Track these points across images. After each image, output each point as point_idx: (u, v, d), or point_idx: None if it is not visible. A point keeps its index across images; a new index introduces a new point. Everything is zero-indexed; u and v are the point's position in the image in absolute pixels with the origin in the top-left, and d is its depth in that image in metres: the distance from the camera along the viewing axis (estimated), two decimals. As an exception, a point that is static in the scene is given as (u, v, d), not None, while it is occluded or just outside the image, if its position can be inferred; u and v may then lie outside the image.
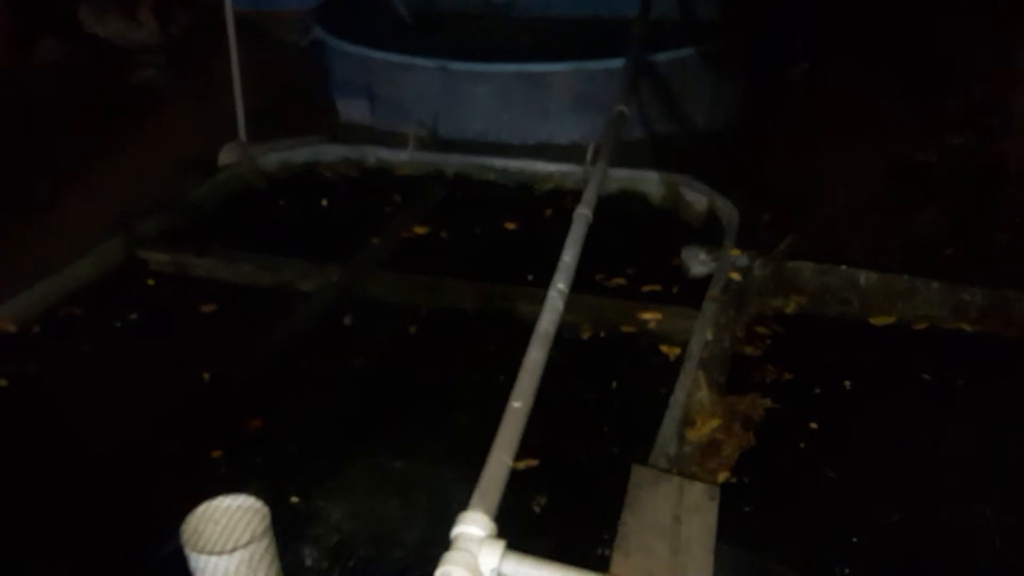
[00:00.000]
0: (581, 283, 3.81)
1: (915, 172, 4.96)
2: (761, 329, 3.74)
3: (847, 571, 2.42)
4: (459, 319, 3.87)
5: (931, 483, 2.79)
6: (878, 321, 3.74)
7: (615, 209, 4.74)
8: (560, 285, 2.82)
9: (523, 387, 2.42)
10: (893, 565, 2.49)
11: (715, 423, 3.13)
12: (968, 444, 2.94)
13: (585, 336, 3.70)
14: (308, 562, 2.43)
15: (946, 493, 2.74)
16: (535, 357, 2.52)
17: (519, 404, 2.38)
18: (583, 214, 3.15)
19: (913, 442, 3.00)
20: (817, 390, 3.30)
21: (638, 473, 2.57)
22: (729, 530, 2.47)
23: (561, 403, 3.26)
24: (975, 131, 5.22)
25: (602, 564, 2.39)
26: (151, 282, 4.22)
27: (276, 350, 3.61)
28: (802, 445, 3.02)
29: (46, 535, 2.73)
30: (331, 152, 5.50)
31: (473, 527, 1.95)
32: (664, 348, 3.61)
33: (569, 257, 2.94)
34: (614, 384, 3.42)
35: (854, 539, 2.56)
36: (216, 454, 2.97)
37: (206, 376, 3.43)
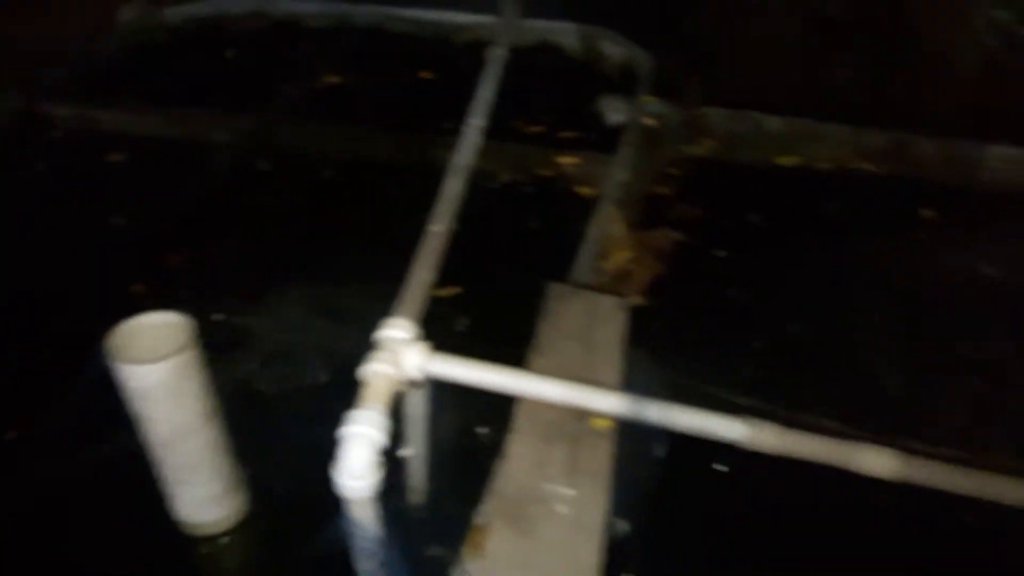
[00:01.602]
0: (500, 131, 3.85)
1: (827, 23, 5.06)
2: (674, 171, 3.86)
3: (747, 371, 2.63)
4: (376, 167, 3.85)
5: (829, 299, 3.01)
6: (784, 161, 3.89)
7: (533, 60, 4.75)
8: (476, 120, 2.85)
9: (442, 212, 2.50)
10: (793, 364, 2.71)
11: (627, 254, 3.27)
12: (863, 266, 3.15)
13: (504, 180, 3.75)
14: (237, 372, 2.50)
15: (842, 305, 2.97)
16: (453, 186, 2.59)
17: (438, 228, 2.46)
18: (498, 53, 3.15)
19: (813, 266, 3.20)
20: (724, 223, 3.46)
21: (553, 289, 2.69)
22: (639, 341, 2.63)
23: (483, 241, 3.33)
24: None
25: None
26: (56, 135, 4.05)
27: (191, 194, 3.56)
28: (709, 271, 3.19)
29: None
30: (237, 5, 5.26)
31: (397, 331, 2.05)
32: (580, 189, 3.70)
33: (485, 93, 2.97)
34: (533, 223, 3.50)
35: (756, 344, 2.76)
36: (137, 288, 2.96)
37: (121, 220, 3.37)
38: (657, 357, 2.58)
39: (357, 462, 1.79)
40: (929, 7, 5.14)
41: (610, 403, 2.06)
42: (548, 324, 2.51)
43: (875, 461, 2.14)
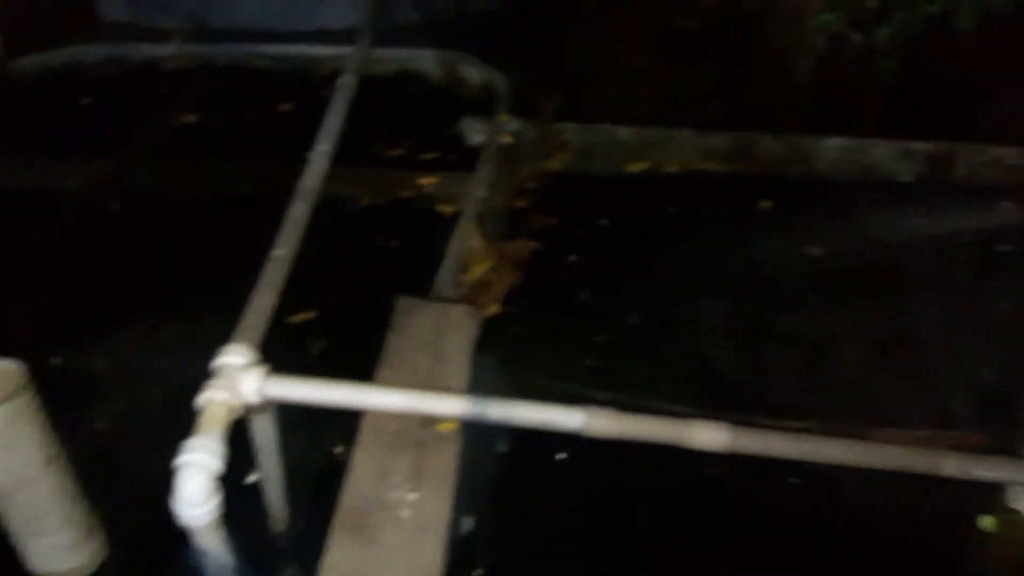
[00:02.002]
0: (361, 156, 3.92)
1: (676, 37, 5.32)
2: (531, 185, 3.99)
3: (589, 362, 2.75)
4: (233, 201, 3.84)
5: (668, 290, 3.18)
6: (634, 168, 4.08)
7: (396, 88, 4.85)
8: (323, 146, 2.93)
9: (286, 237, 2.55)
10: (633, 353, 2.85)
11: (486, 266, 3.37)
12: (701, 257, 3.34)
13: (365, 203, 3.81)
14: (80, 414, 2.47)
15: (679, 295, 3.15)
16: (298, 211, 2.65)
17: (282, 252, 2.51)
18: (347, 81, 3.24)
19: (655, 262, 3.37)
20: (577, 231, 3.60)
21: (403, 303, 2.76)
22: (496, 346, 2.73)
23: (343, 264, 3.38)
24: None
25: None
26: None
27: (39, 241, 3.50)
28: (562, 275, 3.32)
29: None
30: (92, 52, 5.19)
31: (234, 357, 2.08)
32: (441, 208, 3.79)
33: (332, 120, 3.05)
34: (394, 243, 3.57)
35: (599, 338, 2.89)
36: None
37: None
38: (513, 358, 2.68)
39: (193, 490, 1.81)
40: (767, 16, 5.48)
41: (451, 406, 2.14)
42: (397, 337, 2.58)
43: (708, 436, 2.27)
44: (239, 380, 2.03)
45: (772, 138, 4.29)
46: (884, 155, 4.28)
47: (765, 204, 3.71)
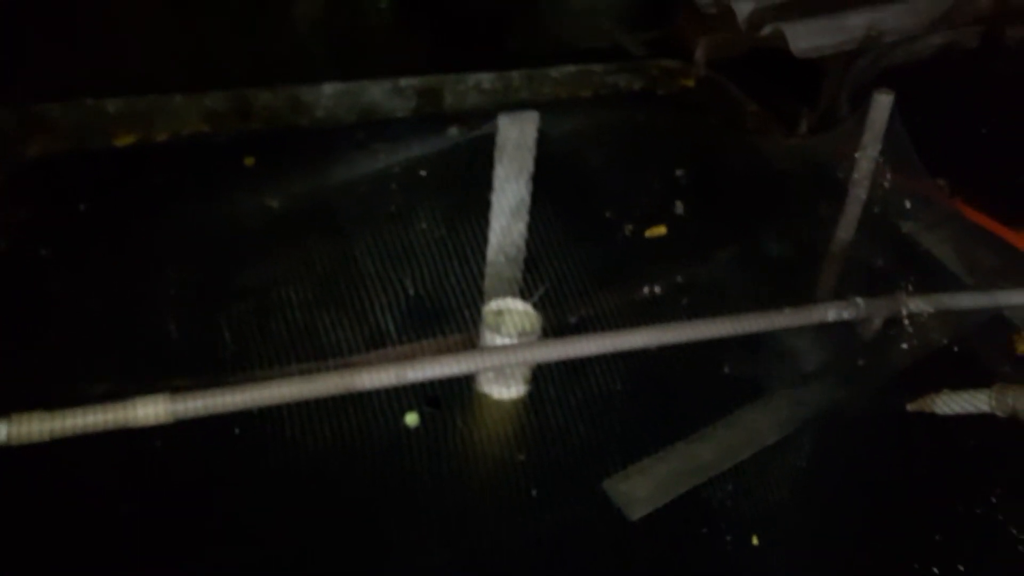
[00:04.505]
0: None
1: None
2: (3, 177, 3.67)
3: (44, 361, 2.64)
4: None
5: (139, 269, 3.12)
6: (121, 142, 3.91)
7: None
8: None
9: None
10: (87, 341, 2.78)
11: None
12: (178, 227, 3.31)
13: None
14: None
15: (147, 271, 3.10)
16: None
17: None
18: None
19: (131, 241, 3.26)
20: (52, 221, 3.38)
21: None
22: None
23: None
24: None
25: None
26: None
27: None
28: (32, 274, 3.10)
29: None
30: None
31: None
32: None
33: None
34: None
35: (55, 335, 2.77)
36: None
37: None
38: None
39: None
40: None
41: None
42: None
43: (150, 411, 2.31)
44: None
45: (270, 92, 4.36)
46: (379, 95, 4.54)
47: (249, 161, 3.76)
